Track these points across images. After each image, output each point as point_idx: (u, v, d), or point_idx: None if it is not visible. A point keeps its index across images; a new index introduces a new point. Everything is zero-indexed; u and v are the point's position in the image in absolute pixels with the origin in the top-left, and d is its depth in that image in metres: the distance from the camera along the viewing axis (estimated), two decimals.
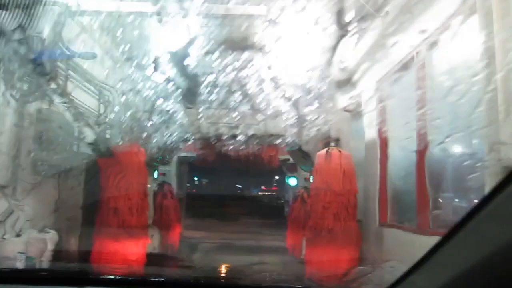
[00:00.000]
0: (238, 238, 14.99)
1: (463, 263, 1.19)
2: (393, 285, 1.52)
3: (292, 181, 12.74)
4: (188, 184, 15.63)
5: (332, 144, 7.73)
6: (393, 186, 7.32)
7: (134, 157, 7.49)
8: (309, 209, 10.85)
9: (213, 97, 8.45)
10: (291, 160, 12.74)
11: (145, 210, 7.60)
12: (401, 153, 6.98)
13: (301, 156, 8.99)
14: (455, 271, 1.20)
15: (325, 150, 7.66)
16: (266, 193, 37.13)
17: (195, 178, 26.26)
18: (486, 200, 1.10)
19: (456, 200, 5.72)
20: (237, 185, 32.57)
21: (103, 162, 7.41)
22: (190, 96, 8.41)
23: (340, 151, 7.52)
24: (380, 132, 7.46)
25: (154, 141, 8.52)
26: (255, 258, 10.65)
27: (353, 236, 7.27)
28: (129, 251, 7.31)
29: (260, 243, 13.71)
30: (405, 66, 6.40)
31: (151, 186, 9.95)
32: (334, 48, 7.34)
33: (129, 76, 8.16)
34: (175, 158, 13.20)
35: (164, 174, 11.78)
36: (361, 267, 6.55)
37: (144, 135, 8.30)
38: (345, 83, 8.25)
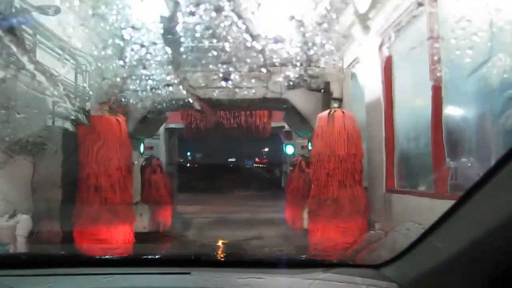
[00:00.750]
0: (234, 211, 14.41)
1: (481, 224, 1.17)
2: (409, 248, 1.48)
3: (288, 149, 11.99)
4: (179, 158, 14.78)
5: (335, 104, 6.97)
6: (401, 149, 6.70)
7: (113, 126, 6.71)
8: (310, 177, 10.27)
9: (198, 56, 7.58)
10: (287, 127, 11.98)
11: (129, 186, 6.86)
12: (410, 112, 6.37)
13: (299, 120, 8.21)
14: (474, 232, 1.19)
15: (326, 111, 6.91)
16: (261, 165, 36.53)
17: (186, 151, 25.34)
18: (504, 161, 1.09)
19: (477, 162, 5.13)
20: (230, 157, 31.77)
21: (80, 133, 6.63)
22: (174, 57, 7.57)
23: (343, 112, 6.79)
24: (385, 89, 6.78)
25: (136, 109, 7.70)
26: (252, 232, 10.07)
27: (360, 204, 6.62)
28: (115, 231, 6.63)
29: (257, 216, 13.12)
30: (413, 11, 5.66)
31: (138, 161, 9.16)
32: None
33: (104, 39, 7.27)
34: (162, 130, 12.40)
35: (151, 147, 10.96)
36: (372, 232, 6.02)
37: (124, 102, 7.49)
38: (346, 36, 7.46)
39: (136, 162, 8.82)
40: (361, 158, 6.73)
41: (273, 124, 12.06)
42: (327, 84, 7.04)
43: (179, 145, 14.73)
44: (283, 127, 12.25)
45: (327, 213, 6.60)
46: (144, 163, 10.59)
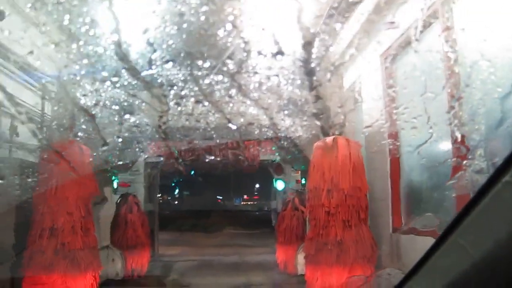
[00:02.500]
0: (220, 253, 13.25)
1: (460, 264, 1.15)
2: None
3: (279, 185, 10.95)
4: (161, 194, 13.63)
5: (336, 132, 6.06)
6: (409, 181, 5.85)
7: (76, 157, 5.68)
8: (305, 216, 9.24)
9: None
10: (278, 159, 10.99)
11: (91, 227, 5.77)
12: (418, 139, 5.53)
13: (292, 150, 7.26)
14: (453, 273, 1.17)
15: (325, 139, 5.98)
16: (249, 202, 35.35)
17: (169, 187, 24.03)
18: (478, 199, 1.09)
19: None
20: (216, 194, 30.53)
21: (38, 164, 5.61)
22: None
23: (347, 140, 5.87)
24: (389, 114, 5.98)
25: (108, 141, 6.68)
26: (240, 279, 8.93)
27: (367, 248, 5.59)
28: (74, 281, 5.49)
29: (245, 259, 11.96)
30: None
31: (112, 199, 8.06)
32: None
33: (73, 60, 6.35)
34: (142, 164, 11.31)
35: (128, 184, 9.83)
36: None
37: (94, 133, 6.48)
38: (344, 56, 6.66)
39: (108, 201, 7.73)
40: (366, 193, 5.77)
41: (263, 157, 11.07)
42: (326, 108, 6.13)
43: (161, 181, 13.62)
44: (273, 160, 11.26)
45: (329, 259, 5.54)
46: (119, 200, 9.47)
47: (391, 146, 6.08)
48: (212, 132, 6.84)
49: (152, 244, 11.69)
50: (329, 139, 5.90)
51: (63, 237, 5.40)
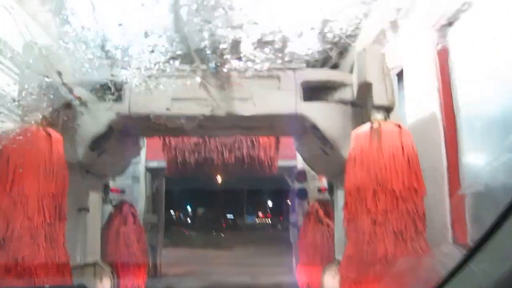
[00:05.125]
0: (231, 273, 11.77)
1: None
2: (449, 277, 1.30)
3: (300, 195, 9.43)
4: (165, 205, 12.27)
5: (379, 116, 4.63)
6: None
7: (41, 145, 4.34)
8: (330, 229, 7.77)
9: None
10: (298, 165, 9.50)
11: (60, 237, 4.38)
12: (483, 129, 4.19)
13: (319, 149, 5.80)
14: None
15: (367, 126, 4.56)
16: (265, 218, 33.79)
17: (176, 199, 22.46)
18: None
19: None
20: (229, 208, 29.00)
21: None
22: None
23: (399, 126, 4.44)
24: (444, 100, 4.63)
25: (89, 127, 5.33)
26: None
27: (428, 270, 4.09)
28: None
29: (259, 280, 10.47)
30: None
31: (96, 207, 6.66)
32: None
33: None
34: (143, 171, 9.96)
35: (119, 190, 8.42)
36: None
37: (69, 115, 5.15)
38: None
39: (92, 209, 6.35)
40: (423, 196, 4.31)
41: (281, 163, 9.62)
42: (366, 86, 4.71)
43: (167, 191, 12.25)
44: (294, 166, 9.79)
45: (375, 283, 4.07)
46: (112, 209, 8.12)
47: (446, 140, 4.69)
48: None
49: (154, 262, 10.31)
50: (373, 125, 4.48)
51: (18, 249, 4.03)
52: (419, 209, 4.22)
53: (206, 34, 4.88)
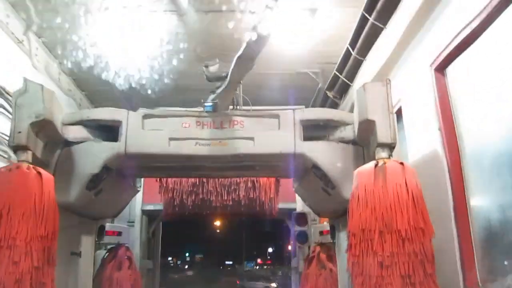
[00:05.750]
0: None
1: None
2: None
3: (301, 238, 9.13)
4: (162, 250, 11.89)
5: (383, 154, 4.50)
6: (483, 223, 4.23)
7: (29, 185, 4.17)
8: (333, 275, 7.44)
9: None
10: (298, 208, 9.30)
11: (48, 284, 4.12)
12: (491, 167, 4.08)
13: (320, 189, 5.62)
14: None
15: (371, 164, 4.42)
16: (264, 266, 32.93)
17: (173, 245, 21.88)
18: None
19: None
20: (227, 256, 28.33)
21: None
22: None
23: (402, 164, 4.30)
24: (447, 138, 4.55)
25: (84, 166, 5.17)
26: None
27: None
28: None
29: None
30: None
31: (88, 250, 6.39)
32: None
33: None
34: (139, 214, 9.72)
35: (119, 233, 8.13)
36: None
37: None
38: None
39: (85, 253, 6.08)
40: (431, 237, 4.11)
41: (281, 206, 9.40)
42: (368, 124, 4.60)
43: (164, 236, 11.91)
44: (294, 209, 9.57)
45: None
46: (107, 252, 7.82)
47: (452, 179, 4.55)
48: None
49: None
50: (378, 163, 4.35)
51: None
52: (428, 251, 4.00)
53: None
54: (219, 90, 5.09)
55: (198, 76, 5.65)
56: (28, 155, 4.42)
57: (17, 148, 4.41)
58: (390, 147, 4.52)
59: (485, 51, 4.01)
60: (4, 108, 5.78)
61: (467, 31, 4.05)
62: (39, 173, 4.27)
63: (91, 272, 6.42)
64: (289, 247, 10.86)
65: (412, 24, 5.10)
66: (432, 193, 4.49)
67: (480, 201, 4.36)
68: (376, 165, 4.33)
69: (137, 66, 7.88)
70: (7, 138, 4.59)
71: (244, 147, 5.24)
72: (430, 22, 4.90)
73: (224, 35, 6.45)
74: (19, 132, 4.38)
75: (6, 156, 5.62)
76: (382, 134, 4.50)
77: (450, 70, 4.75)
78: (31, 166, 4.30)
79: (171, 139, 5.19)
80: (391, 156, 4.51)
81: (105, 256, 7.75)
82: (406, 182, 4.12)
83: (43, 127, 4.58)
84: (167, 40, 6.85)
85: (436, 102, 4.80)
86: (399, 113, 5.83)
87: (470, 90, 4.39)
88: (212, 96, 5.32)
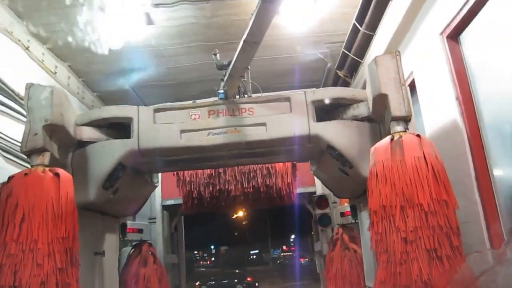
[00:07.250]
0: None
1: None
2: None
3: (323, 221, 9.05)
4: (186, 244, 11.95)
5: (398, 127, 4.39)
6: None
7: (48, 188, 4.18)
8: (358, 255, 7.38)
9: None
10: (318, 191, 9.24)
11: (73, 284, 4.15)
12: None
13: (337, 170, 5.53)
14: None
15: (387, 138, 4.32)
16: (288, 253, 32.99)
17: (196, 238, 22.01)
18: None
19: None
20: (252, 245, 28.43)
21: None
22: None
23: (419, 136, 4.19)
24: (465, 108, 4.42)
25: (100, 165, 5.17)
26: None
27: None
28: None
29: None
30: None
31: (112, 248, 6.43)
32: None
33: None
34: (159, 209, 9.77)
35: (137, 230, 8.17)
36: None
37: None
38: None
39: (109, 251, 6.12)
40: (455, 208, 4.00)
41: (300, 190, 9.33)
42: (382, 98, 4.49)
43: (186, 229, 11.95)
44: (313, 192, 9.50)
45: None
46: (131, 250, 7.89)
47: (472, 149, 4.42)
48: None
49: None
50: (394, 137, 4.25)
51: None
52: (452, 223, 3.89)
53: None
54: (226, 77, 5.03)
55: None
56: (44, 158, 4.43)
57: (31, 152, 4.42)
58: (405, 120, 4.40)
59: (500, 13, 3.85)
60: (18, 112, 5.84)
61: None
62: (56, 174, 4.28)
63: (116, 270, 6.45)
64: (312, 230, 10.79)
65: None
66: (452, 164, 4.37)
67: (503, 169, 4.23)
68: (392, 140, 4.23)
69: (146, 62, 7.90)
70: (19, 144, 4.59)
71: (256, 134, 5.17)
72: None
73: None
74: (35, 134, 4.39)
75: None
76: (396, 107, 4.38)
77: (464, 37, 4.60)
78: (46, 169, 4.32)
79: (182, 131, 5.15)
80: (407, 129, 4.40)
81: (130, 253, 7.82)
82: (424, 155, 4.01)
83: (54, 131, 4.59)
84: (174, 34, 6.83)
85: (451, 71, 4.66)
86: (413, 85, 5.69)
87: (486, 56, 4.24)
88: (222, 84, 5.27)
